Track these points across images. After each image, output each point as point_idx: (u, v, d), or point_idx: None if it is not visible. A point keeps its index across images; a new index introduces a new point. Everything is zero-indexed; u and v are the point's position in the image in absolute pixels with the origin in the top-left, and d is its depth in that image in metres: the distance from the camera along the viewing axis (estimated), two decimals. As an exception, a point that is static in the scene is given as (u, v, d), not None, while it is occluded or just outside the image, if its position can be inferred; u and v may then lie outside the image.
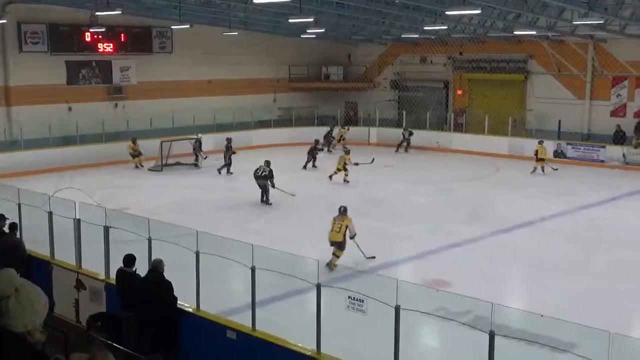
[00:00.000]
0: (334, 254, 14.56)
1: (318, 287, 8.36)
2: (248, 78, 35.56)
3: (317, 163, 27.84)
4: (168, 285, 9.64)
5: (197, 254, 9.73)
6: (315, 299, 8.48)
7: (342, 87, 38.40)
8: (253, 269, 9.07)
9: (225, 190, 23.56)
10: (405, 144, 32.44)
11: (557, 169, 26.59)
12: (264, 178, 21.33)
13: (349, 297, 8.04)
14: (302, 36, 34.45)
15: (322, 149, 29.22)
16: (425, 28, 27.75)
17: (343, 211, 15.08)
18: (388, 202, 21.78)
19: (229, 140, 26.59)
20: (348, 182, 24.50)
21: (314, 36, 34.61)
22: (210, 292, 10.42)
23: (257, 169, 21.57)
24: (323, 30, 31.63)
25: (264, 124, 35.15)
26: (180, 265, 10.09)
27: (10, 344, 3.28)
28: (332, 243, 14.75)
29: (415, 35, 32.52)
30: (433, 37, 33.31)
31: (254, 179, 21.47)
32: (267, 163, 21.80)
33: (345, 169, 24.70)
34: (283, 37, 35.74)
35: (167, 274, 9.75)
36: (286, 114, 36.95)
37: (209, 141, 30.04)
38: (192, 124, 31.15)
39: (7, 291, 3.36)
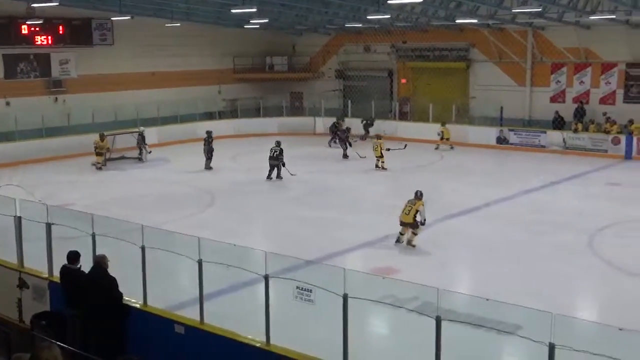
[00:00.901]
0: (413, 232, 15.49)
1: (266, 278, 8.35)
2: (192, 70, 35.21)
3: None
4: (112, 281, 9.50)
5: (143, 248, 9.61)
6: (263, 290, 8.47)
7: (287, 77, 38.31)
8: (200, 262, 9.00)
9: (170, 184, 23.31)
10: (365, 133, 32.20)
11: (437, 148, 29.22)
12: (276, 159, 23.19)
13: (297, 287, 8.05)
14: (245, 27, 34.25)
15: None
16: (369, 17, 27.84)
17: (419, 195, 15.71)
18: (335, 191, 21.86)
19: (208, 133, 26.23)
20: (386, 169, 24.98)
21: (257, 26, 34.45)
22: (158, 287, 10.32)
23: (271, 149, 23.29)
24: (266, 21, 31.51)
25: (209, 116, 34.88)
26: (127, 261, 9.95)
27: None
28: (402, 223, 15.58)
29: (358, 24, 32.64)
30: (376, 26, 33.45)
31: (269, 161, 23.19)
32: (278, 143, 23.59)
33: (382, 155, 25.20)
34: (226, 28, 35.47)
35: (113, 270, 9.61)
36: (231, 106, 36.73)
37: (153, 134, 29.68)
38: (135, 117, 30.70)
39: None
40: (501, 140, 30.06)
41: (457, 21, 28.71)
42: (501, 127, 30.59)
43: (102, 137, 26.56)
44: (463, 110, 32.83)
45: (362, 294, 7.79)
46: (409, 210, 15.49)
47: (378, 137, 26.19)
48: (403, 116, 34.54)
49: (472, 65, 33.33)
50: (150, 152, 27.67)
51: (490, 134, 30.28)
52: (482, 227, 17.41)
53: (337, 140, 29.23)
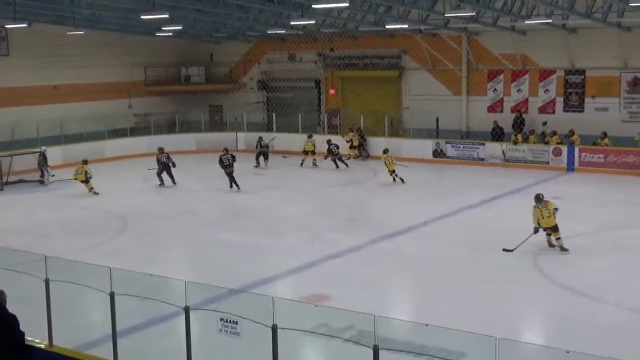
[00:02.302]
0: (557, 238, 16.65)
1: (186, 310, 8.25)
2: (99, 82, 34.72)
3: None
4: (12, 320, 9.19)
5: (47, 281, 9.37)
6: (184, 324, 8.36)
7: (205, 89, 38.19)
8: (112, 295, 8.83)
9: (77, 209, 22.82)
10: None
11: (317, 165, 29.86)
12: (231, 166, 24.81)
13: (221, 319, 7.98)
14: (157, 34, 33.98)
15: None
16: (292, 23, 28.04)
17: (543, 197, 16.94)
18: (256, 212, 21.81)
19: (160, 150, 26.70)
20: (403, 181, 25.68)
21: (171, 34, 34.25)
22: (65, 324, 10.07)
23: (221, 160, 24.95)
24: (180, 28, 31.36)
25: (118, 133, 34.36)
26: (28, 296, 9.69)
27: None
28: (547, 228, 16.66)
29: (282, 30, 32.78)
30: (301, 33, 33.70)
31: (223, 170, 24.87)
32: (226, 150, 25.59)
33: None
34: (136, 36, 35.14)
35: (12, 308, 9.31)
36: (143, 121, 36.27)
37: (57, 154, 29.04)
38: (36, 136, 29.97)
39: None
40: (438, 154, 30.60)
41: (387, 26, 29.16)
42: (437, 139, 31.13)
43: (85, 162, 25.75)
44: (396, 122, 33.31)
45: (293, 324, 7.78)
46: (550, 212, 16.58)
47: (385, 150, 26.69)
48: (332, 129, 34.78)
49: (404, 74, 33.89)
50: (53, 175, 27.02)
51: (425, 146, 30.80)
52: (420, 247, 17.62)
53: (332, 158, 29.52)
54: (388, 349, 7.20)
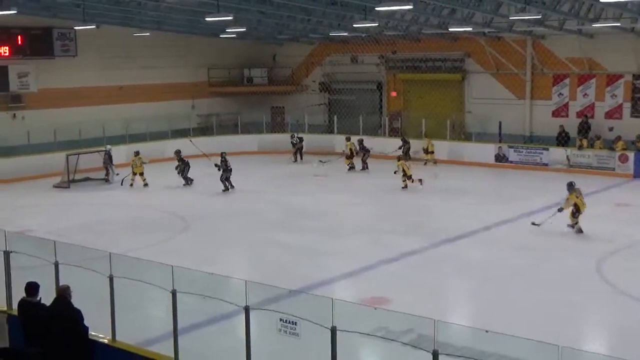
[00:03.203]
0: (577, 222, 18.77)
1: (246, 309, 8.31)
2: (163, 83, 35.25)
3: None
4: (77, 314, 9.42)
5: (111, 278, 9.56)
6: (243, 323, 8.43)
7: (267, 90, 38.42)
8: (174, 293, 8.96)
9: (139, 208, 23.24)
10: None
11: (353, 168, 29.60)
12: (227, 171, 25.15)
13: (280, 319, 8.01)
14: (221, 36, 34.35)
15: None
16: (355, 25, 28.03)
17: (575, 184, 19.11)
18: (316, 214, 21.88)
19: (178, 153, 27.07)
20: (421, 185, 25.39)
21: (234, 36, 34.57)
22: (127, 320, 10.23)
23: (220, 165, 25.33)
24: (244, 30, 31.63)
25: (181, 133, 34.80)
26: (93, 292, 9.90)
27: None
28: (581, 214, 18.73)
29: (344, 33, 32.84)
30: (364, 35, 33.67)
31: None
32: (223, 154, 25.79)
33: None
34: (201, 38, 35.58)
35: (78, 302, 9.53)
36: (206, 122, 36.71)
37: (121, 153, 29.60)
38: (101, 135, 30.61)
39: None
40: (500, 158, 30.24)
41: (451, 29, 28.97)
42: (500, 143, 30.76)
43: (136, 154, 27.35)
44: (458, 126, 33.02)
45: (352, 326, 7.78)
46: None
47: (399, 158, 26.62)
48: (393, 132, 34.66)
49: (467, 77, 33.58)
50: (117, 173, 27.56)
51: (488, 151, 30.44)
52: (481, 253, 17.44)
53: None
54: (447, 354, 7.15)
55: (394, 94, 36.17)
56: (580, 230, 18.67)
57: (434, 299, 14.06)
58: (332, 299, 7.65)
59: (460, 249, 17.77)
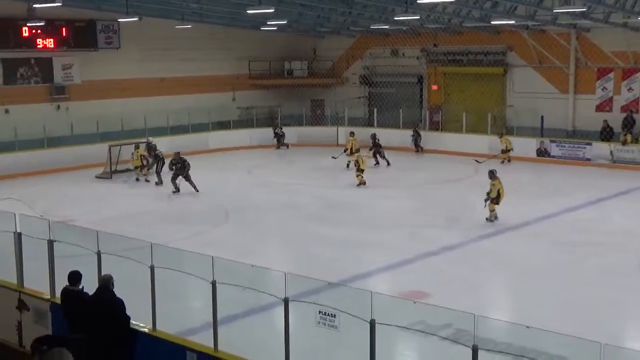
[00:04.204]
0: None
1: (286, 301, 8.34)
2: (204, 75, 35.45)
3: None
4: (119, 304, 9.54)
5: (152, 268, 9.65)
6: (282, 315, 8.47)
7: (307, 83, 38.44)
8: (214, 284, 9.02)
9: (180, 199, 23.44)
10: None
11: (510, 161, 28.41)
12: (183, 169, 23.86)
13: (319, 312, 8.03)
14: (262, 29, 34.44)
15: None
16: (396, 18, 27.93)
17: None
18: (355, 207, 21.87)
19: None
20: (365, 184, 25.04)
21: (275, 28, 34.63)
22: (167, 310, 10.34)
23: (175, 164, 24.00)
24: (285, 22, 31.68)
25: (222, 125, 35.04)
26: (134, 282, 10.00)
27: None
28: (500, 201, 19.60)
29: (385, 26, 32.72)
30: (405, 28, 33.52)
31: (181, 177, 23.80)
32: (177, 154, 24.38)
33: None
34: (242, 30, 35.71)
35: (119, 291, 9.65)
36: (246, 114, 36.88)
37: (162, 145, 29.84)
38: (143, 127, 30.91)
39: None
40: (542, 153, 29.92)
41: (493, 22, 28.69)
42: (542, 138, 30.43)
43: (137, 147, 27.38)
44: (500, 120, 32.72)
45: (390, 319, 7.77)
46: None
47: (356, 151, 26.37)
48: (434, 126, 34.50)
49: (509, 71, 33.24)
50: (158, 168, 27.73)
51: (529, 145, 30.14)
52: (521, 248, 17.31)
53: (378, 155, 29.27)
54: (487, 350, 7.10)
55: (434, 87, 35.96)
56: (496, 217, 19.45)
57: (473, 293, 13.98)
58: (371, 292, 7.65)
59: (500, 244, 17.65)
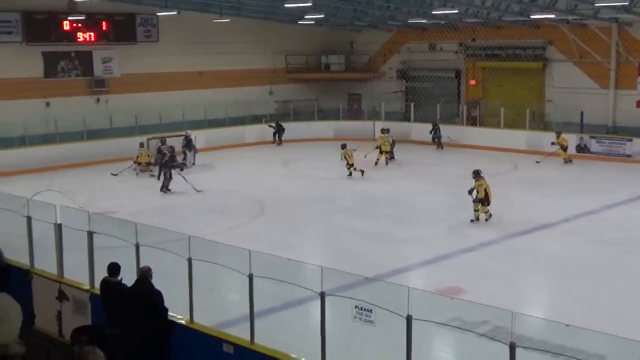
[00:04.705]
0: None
1: (322, 295, 8.35)
2: (242, 69, 35.58)
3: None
4: (158, 295, 9.63)
5: (190, 261, 9.72)
6: (319, 309, 8.48)
7: (344, 77, 38.41)
8: (250, 277, 9.06)
9: (217, 192, 23.57)
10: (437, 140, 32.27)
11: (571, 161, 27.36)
12: (166, 165, 23.42)
13: (355, 306, 8.03)
14: (299, 22, 34.48)
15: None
16: (434, 12, 27.76)
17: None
18: (392, 201, 21.81)
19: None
20: (362, 175, 25.21)
21: (312, 22, 34.65)
22: (204, 302, 10.42)
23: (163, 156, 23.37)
24: (322, 16, 31.68)
25: (259, 119, 35.18)
26: (171, 274, 10.09)
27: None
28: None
29: (423, 20, 32.55)
30: (443, 22, 33.32)
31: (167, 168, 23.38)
32: (163, 141, 24.48)
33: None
34: (279, 24, 35.77)
35: (157, 283, 9.75)
36: (283, 108, 36.96)
37: (200, 138, 30.06)
38: (181, 120, 31.14)
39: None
40: (581, 149, 29.55)
41: (533, 17, 28.38)
42: (581, 134, 30.07)
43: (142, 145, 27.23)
44: (538, 115, 32.39)
45: (427, 315, 7.74)
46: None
47: (343, 146, 26.12)
48: (471, 121, 34.27)
49: (549, 65, 32.87)
50: (194, 163, 27.89)
51: (569, 141, 29.78)
52: (560, 245, 17.14)
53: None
54: (524, 347, 7.05)
55: (472, 82, 35.70)
56: (490, 215, 19.08)
57: (510, 290, 13.89)
58: (407, 287, 7.63)
59: (539, 241, 17.48)
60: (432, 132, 32.07)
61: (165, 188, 23.26)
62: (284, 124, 34.04)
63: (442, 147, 31.87)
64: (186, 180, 23.20)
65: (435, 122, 32.44)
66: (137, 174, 26.59)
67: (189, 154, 28.12)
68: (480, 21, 32.06)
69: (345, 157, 25.61)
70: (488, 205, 18.97)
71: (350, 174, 25.33)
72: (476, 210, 18.93)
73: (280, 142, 33.40)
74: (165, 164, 23.65)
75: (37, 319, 11.40)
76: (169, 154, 23.91)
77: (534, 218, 19.32)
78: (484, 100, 34.83)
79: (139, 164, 26.68)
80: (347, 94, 38.84)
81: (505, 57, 34.30)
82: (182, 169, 24.34)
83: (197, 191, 22.92)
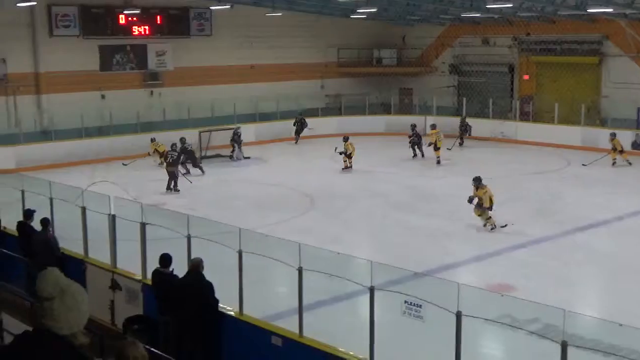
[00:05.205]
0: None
1: (371, 290, 8.34)
2: (293, 63, 35.64)
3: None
4: (209, 287, 9.73)
5: (240, 253, 9.80)
6: (367, 304, 8.47)
7: (396, 72, 38.23)
8: (300, 270, 9.10)
9: (267, 185, 23.69)
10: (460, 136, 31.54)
11: (631, 164, 26.14)
12: (172, 165, 22.52)
13: (405, 301, 8.01)
14: (351, 16, 34.40)
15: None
16: (488, 6, 27.49)
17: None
18: (443, 197, 21.65)
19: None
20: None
21: (364, 16, 34.54)
22: (254, 294, 10.49)
23: (165, 156, 22.75)
24: (375, 10, 31.56)
25: (310, 113, 35.20)
26: (221, 266, 10.18)
27: (55, 347, 3.34)
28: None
29: (476, 14, 32.20)
30: (496, 17, 32.93)
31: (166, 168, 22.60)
32: (174, 146, 23.29)
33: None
34: (331, 18, 35.74)
35: (207, 275, 9.85)
36: (334, 102, 36.95)
37: (250, 132, 30.21)
38: (232, 113, 31.35)
39: (52, 292, 3.43)
40: (637, 146, 28.96)
41: (589, 10, 27.89)
42: (637, 130, 29.46)
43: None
44: (594, 111, 31.82)
45: (476, 312, 7.69)
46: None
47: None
48: (524, 116, 33.84)
49: (605, 60, 32.26)
50: (248, 157, 28.01)
51: (624, 138, 29.17)
52: (613, 243, 16.86)
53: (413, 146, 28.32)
54: (576, 346, 6.95)
55: (526, 77, 35.23)
56: (494, 225, 17.63)
57: (561, 288, 13.70)
58: (457, 283, 7.58)
59: (591, 239, 17.22)
60: (461, 127, 31.23)
61: (173, 187, 22.56)
62: (335, 119, 34.03)
63: (461, 144, 30.83)
64: (184, 175, 23.20)
65: (464, 117, 31.99)
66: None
67: (237, 149, 28.20)
68: (535, 15, 31.62)
69: (346, 149, 25.47)
70: (490, 210, 17.76)
71: (347, 167, 25.39)
72: (488, 218, 17.74)
73: (297, 140, 32.22)
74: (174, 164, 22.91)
75: (91, 308, 11.59)
76: (175, 155, 23.16)
77: (587, 215, 19.02)
78: (538, 95, 34.35)
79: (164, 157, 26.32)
80: (399, 88, 38.63)
81: (560, 52, 33.77)
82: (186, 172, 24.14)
83: (191, 182, 23.02)
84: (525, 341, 8.64)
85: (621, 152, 26.39)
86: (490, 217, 17.70)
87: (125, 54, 31.08)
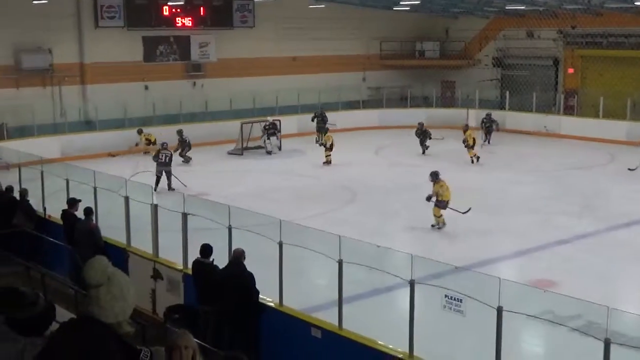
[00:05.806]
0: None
1: (412, 283, 8.31)
2: (336, 54, 35.57)
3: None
4: (250, 278, 9.77)
5: (280, 244, 9.82)
6: (407, 297, 8.44)
7: (439, 64, 37.96)
8: (340, 263, 9.09)
9: (308, 177, 23.73)
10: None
11: None
12: (168, 164, 21.75)
13: (445, 295, 7.97)
14: (394, 9, 34.25)
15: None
16: (533, -1, 27.13)
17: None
18: (484, 191, 21.45)
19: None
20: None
21: (407, 9, 34.36)
22: (293, 286, 10.52)
23: (158, 155, 21.75)
24: (418, 2, 31.36)
25: (351, 105, 35.16)
26: (261, 257, 10.22)
27: (100, 334, 3.37)
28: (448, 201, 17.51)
29: (521, 6, 31.86)
30: (541, 9, 32.51)
31: (159, 167, 21.58)
32: (165, 145, 22.35)
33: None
34: (374, 10, 35.60)
35: (247, 266, 9.90)
36: (376, 94, 36.82)
37: (292, 124, 30.23)
38: (274, 105, 31.42)
39: (100, 280, 3.47)
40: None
41: (637, 3, 27.40)
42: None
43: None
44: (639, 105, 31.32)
45: (518, 307, 7.62)
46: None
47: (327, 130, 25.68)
48: (568, 110, 33.38)
49: (653, 54, 31.70)
50: (279, 148, 28.10)
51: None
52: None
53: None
54: (619, 344, 6.85)
55: (570, 70, 34.74)
56: (444, 223, 17.38)
57: (605, 284, 13.49)
58: (499, 278, 7.51)
59: (636, 235, 16.93)
60: (484, 123, 30.15)
61: (168, 186, 21.64)
62: (376, 111, 33.89)
63: (489, 142, 29.71)
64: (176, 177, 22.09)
65: (489, 112, 30.90)
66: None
67: (272, 139, 28.11)
68: (581, 8, 31.15)
69: (326, 141, 25.53)
70: (444, 208, 17.42)
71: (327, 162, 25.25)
72: (439, 216, 17.45)
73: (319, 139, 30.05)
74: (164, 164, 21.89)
75: (133, 297, 11.73)
76: (169, 154, 22.14)
77: (632, 211, 18.68)
78: (583, 89, 33.86)
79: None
80: (441, 81, 38.34)
81: (606, 45, 33.23)
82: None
83: (185, 185, 21.33)
84: (567, 338, 8.53)
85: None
86: (441, 215, 17.32)
87: (169, 45, 31.33)
